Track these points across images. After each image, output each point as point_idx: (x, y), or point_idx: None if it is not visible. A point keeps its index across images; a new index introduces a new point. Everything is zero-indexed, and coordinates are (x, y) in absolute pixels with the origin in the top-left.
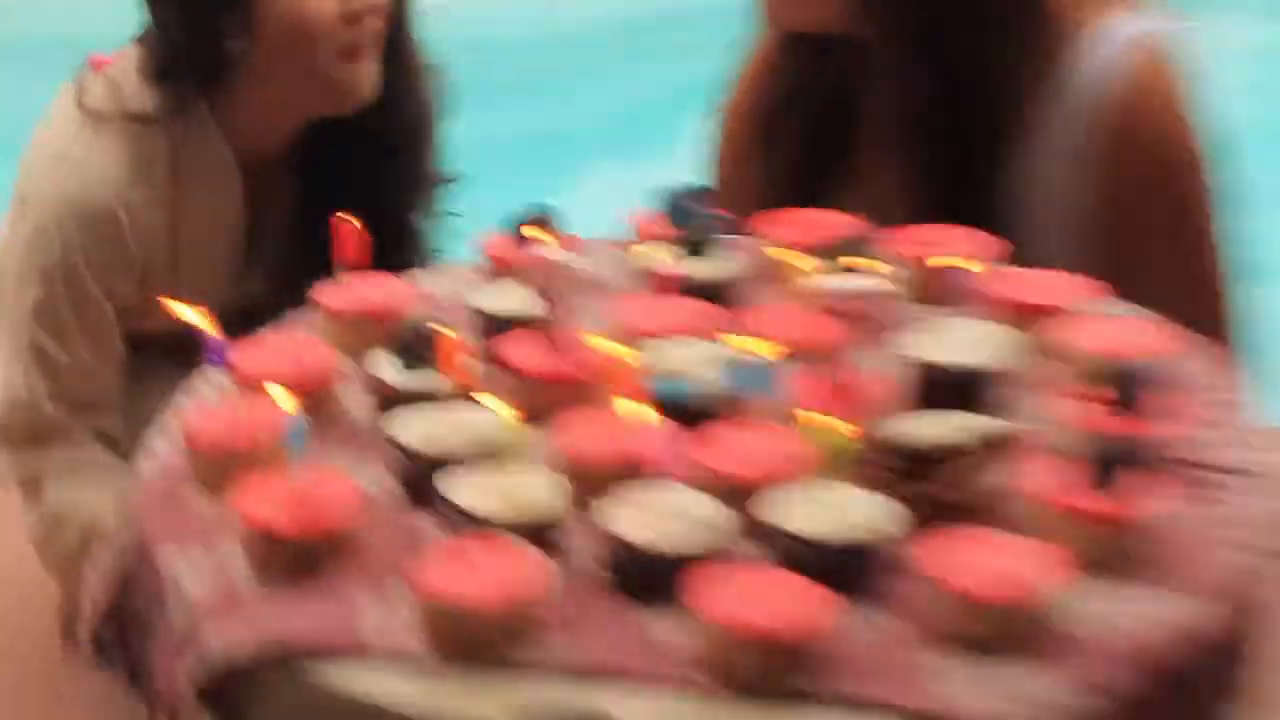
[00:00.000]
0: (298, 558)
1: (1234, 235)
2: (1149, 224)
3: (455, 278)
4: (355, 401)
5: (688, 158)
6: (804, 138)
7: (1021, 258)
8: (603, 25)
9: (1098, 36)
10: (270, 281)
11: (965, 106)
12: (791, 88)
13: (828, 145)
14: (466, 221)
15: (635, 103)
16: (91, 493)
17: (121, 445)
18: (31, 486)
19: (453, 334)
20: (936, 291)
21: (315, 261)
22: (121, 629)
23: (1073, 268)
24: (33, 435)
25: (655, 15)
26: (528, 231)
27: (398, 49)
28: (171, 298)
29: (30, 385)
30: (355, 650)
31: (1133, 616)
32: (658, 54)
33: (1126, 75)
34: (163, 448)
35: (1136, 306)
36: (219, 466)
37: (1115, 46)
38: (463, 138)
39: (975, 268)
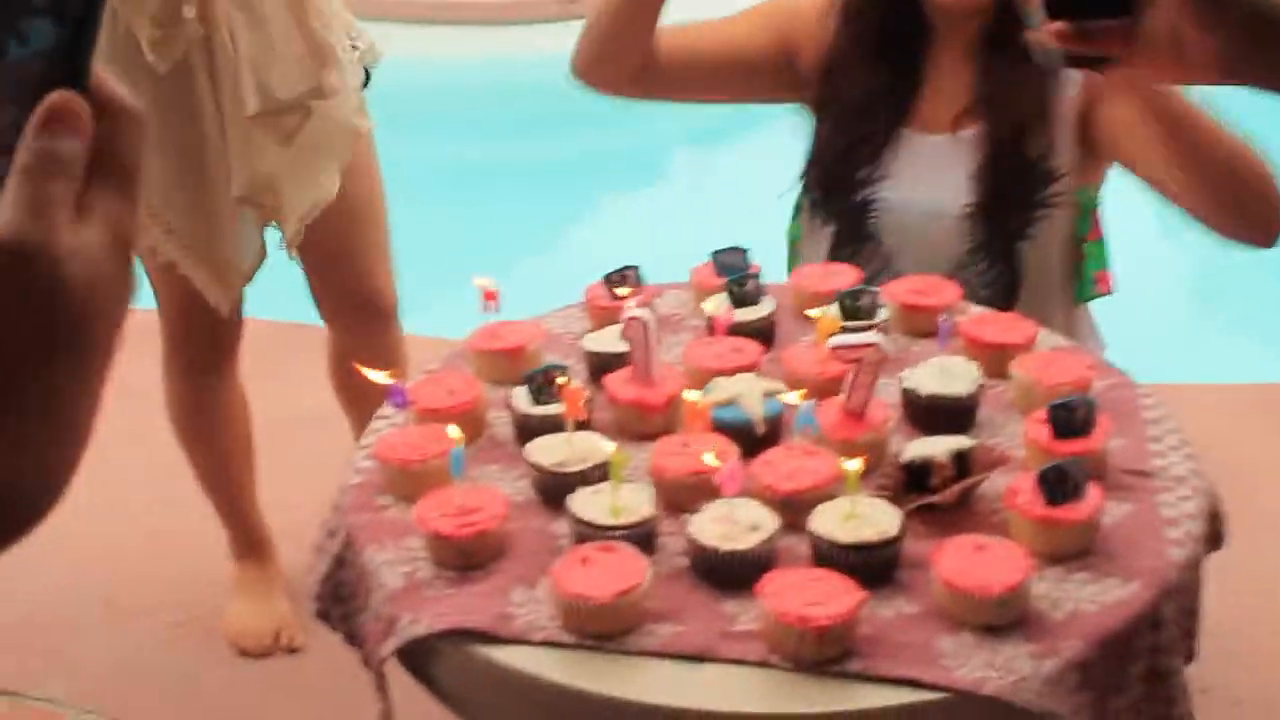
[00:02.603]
0: (464, 554)
1: None
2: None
3: (569, 319)
4: (501, 423)
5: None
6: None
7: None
8: None
9: None
10: None
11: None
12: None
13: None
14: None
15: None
16: None
17: None
18: None
19: (571, 377)
20: (918, 330)
21: None
22: (338, 595)
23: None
24: None
25: None
26: (618, 287)
27: None
28: None
29: None
30: (509, 634)
31: (1083, 599)
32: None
33: None
34: (364, 464)
35: (1064, 340)
36: (404, 481)
37: None
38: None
39: (948, 312)
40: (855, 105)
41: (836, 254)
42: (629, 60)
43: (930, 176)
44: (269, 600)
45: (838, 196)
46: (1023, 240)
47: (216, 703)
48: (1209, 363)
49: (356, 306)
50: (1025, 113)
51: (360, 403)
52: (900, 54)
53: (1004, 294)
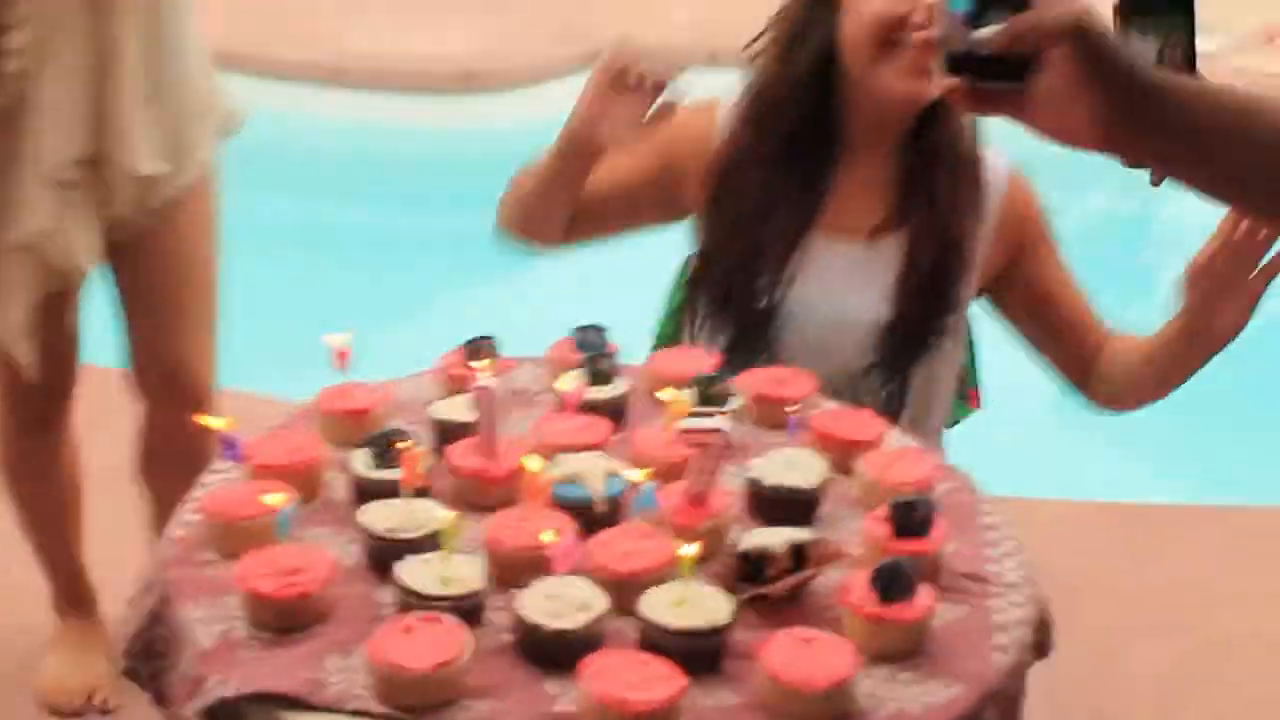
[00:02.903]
0: (282, 616)
1: None
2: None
3: (420, 385)
4: (339, 485)
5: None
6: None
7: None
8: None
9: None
10: None
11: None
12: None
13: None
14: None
15: None
16: None
17: None
18: None
19: (413, 442)
20: (770, 420)
21: None
22: (149, 653)
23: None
24: None
25: None
26: (473, 357)
27: None
28: None
29: None
30: (320, 701)
31: (906, 699)
32: None
33: (1011, 180)
34: (189, 517)
35: (913, 441)
36: (227, 537)
37: (999, 167)
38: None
39: (800, 405)
40: (758, 208)
41: (727, 363)
42: (560, 218)
43: (840, 286)
44: (86, 657)
45: (734, 305)
46: (921, 362)
47: None
48: (1065, 477)
49: (168, 381)
50: (952, 231)
51: (163, 491)
52: (810, 157)
53: (889, 414)
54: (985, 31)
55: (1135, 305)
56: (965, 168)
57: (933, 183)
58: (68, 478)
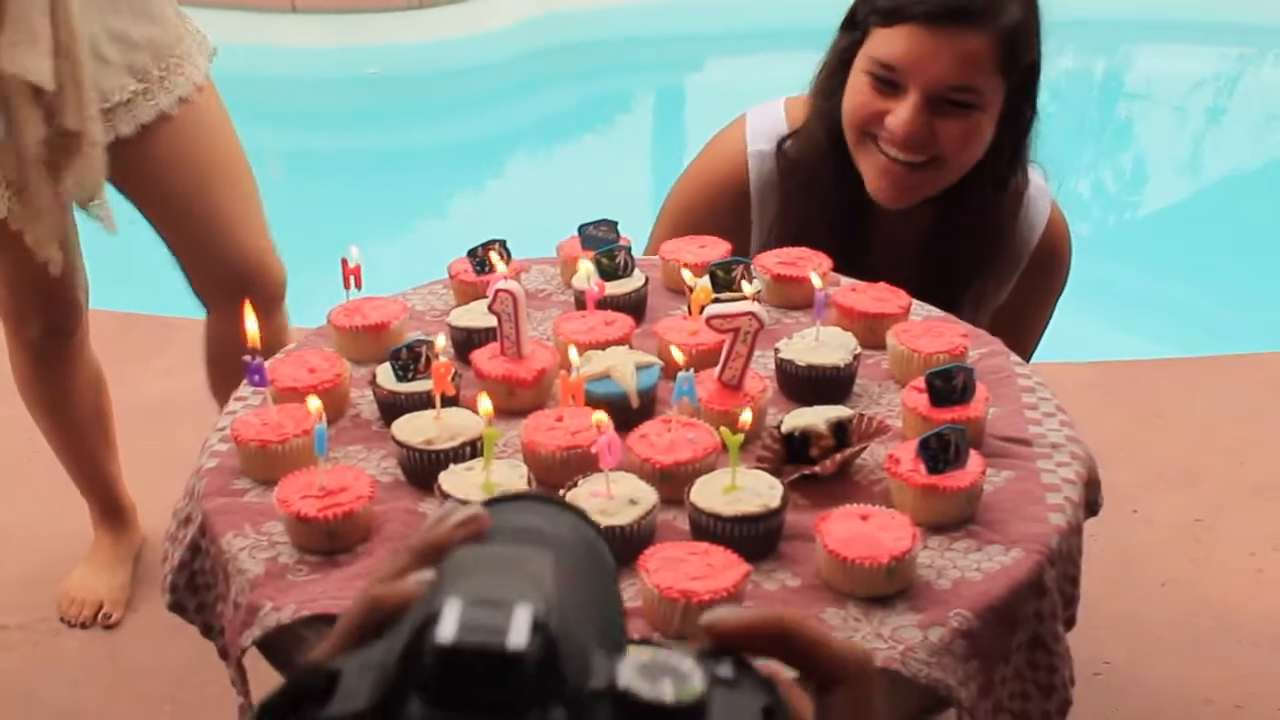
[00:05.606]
0: (328, 537)
1: None
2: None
3: (434, 295)
4: (364, 403)
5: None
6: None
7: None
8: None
9: (1031, 196)
10: None
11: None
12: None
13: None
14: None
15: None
16: None
17: None
18: None
19: (438, 350)
20: (790, 301)
21: None
22: (193, 586)
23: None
24: None
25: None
26: (484, 261)
27: None
28: None
29: None
30: None
31: (967, 567)
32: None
33: (1049, 221)
34: (219, 446)
35: (936, 310)
36: (263, 462)
37: (1040, 203)
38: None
39: (820, 281)
40: None
41: None
42: None
43: None
44: (108, 573)
45: None
46: None
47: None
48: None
49: (233, 283)
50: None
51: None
52: (849, 224)
53: None
54: None
55: (1115, 154)
56: (997, 240)
57: (961, 261)
58: (88, 407)
